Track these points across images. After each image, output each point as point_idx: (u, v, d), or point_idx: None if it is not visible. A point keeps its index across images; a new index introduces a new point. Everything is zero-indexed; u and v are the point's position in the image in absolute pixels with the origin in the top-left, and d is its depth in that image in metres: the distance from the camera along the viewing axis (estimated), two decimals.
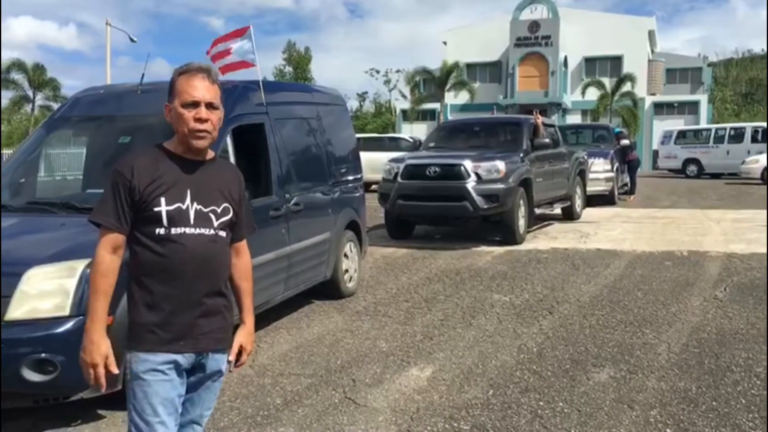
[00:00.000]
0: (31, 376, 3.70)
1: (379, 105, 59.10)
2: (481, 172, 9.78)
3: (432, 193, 9.93)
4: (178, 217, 2.28)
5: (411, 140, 21.80)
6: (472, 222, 10.59)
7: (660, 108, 46.18)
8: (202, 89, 2.30)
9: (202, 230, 2.32)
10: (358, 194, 7.52)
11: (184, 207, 2.30)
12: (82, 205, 4.67)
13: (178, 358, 2.29)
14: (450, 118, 40.52)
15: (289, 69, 57.44)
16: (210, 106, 2.31)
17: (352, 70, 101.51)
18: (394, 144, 21.37)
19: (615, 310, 6.42)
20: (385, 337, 5.72)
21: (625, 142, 17.36)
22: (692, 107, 45.71)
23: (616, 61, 45.86)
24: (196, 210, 2.32)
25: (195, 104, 2.29)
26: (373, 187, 17.45)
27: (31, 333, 3.72)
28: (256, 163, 5.85)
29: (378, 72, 58.74)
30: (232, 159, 5.30)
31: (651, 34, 48.77)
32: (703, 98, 46.62)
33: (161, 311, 2.28)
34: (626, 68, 44.01)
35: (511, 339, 5.59)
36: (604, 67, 46.52)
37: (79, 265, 3.88)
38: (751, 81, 69.02)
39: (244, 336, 2.52)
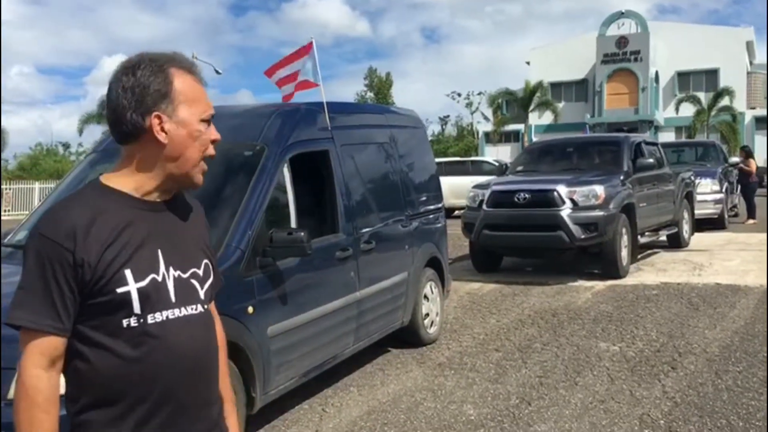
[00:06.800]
0: None
1: (461, 128, 58.16)
2: (577, 197, 8.71)
3: (522, 222, 8.90)
4: (155, 297, 1.46)
5: (495, 163, 20.86)
6: (568, 253, 9.49)
7: (762, 122, 43.24)
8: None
9: (189, 309, 1.51)
10: (438, 225, 6.66)
11: (160, 278, 1.48)
12: None
13: None
14: (534, 139, 39.25)
15: (370, 95, 57.29)
16: None
17: (432, 94, 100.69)
18: (477, 168, 20.56)
19: (754, 365, 5.27)
20: (473, 399, 4.80)
21: (737, 161, 15.83)
22: None
23: (712, 74, 43.49)
24: (174, 279, 1.50)
25: (210, 121, 1.57)
26: (455, 213, 16.90)
27: None
28: (319, 196, 5.09)
29: (459, 95, 58.10)
30: (290, 193, 4.55)
31: (749, 45, 46.03)
32: None
33: None
34: (723, 82, 41.64)
35: (628, 406, 4.56)
36: (699, 81, 44.18)
37: None
38: None
39: None
